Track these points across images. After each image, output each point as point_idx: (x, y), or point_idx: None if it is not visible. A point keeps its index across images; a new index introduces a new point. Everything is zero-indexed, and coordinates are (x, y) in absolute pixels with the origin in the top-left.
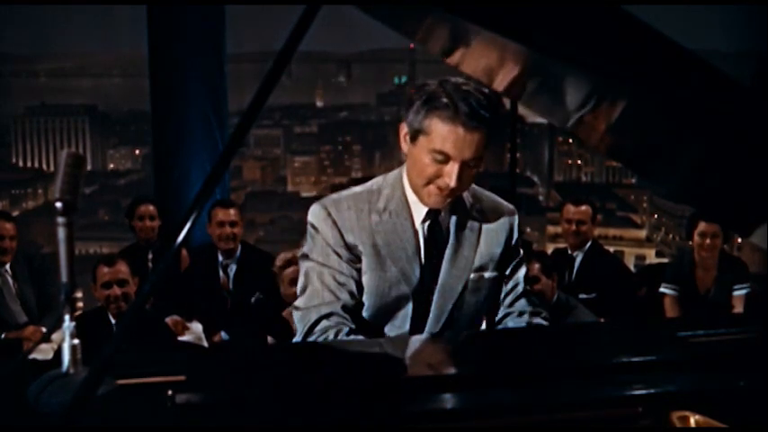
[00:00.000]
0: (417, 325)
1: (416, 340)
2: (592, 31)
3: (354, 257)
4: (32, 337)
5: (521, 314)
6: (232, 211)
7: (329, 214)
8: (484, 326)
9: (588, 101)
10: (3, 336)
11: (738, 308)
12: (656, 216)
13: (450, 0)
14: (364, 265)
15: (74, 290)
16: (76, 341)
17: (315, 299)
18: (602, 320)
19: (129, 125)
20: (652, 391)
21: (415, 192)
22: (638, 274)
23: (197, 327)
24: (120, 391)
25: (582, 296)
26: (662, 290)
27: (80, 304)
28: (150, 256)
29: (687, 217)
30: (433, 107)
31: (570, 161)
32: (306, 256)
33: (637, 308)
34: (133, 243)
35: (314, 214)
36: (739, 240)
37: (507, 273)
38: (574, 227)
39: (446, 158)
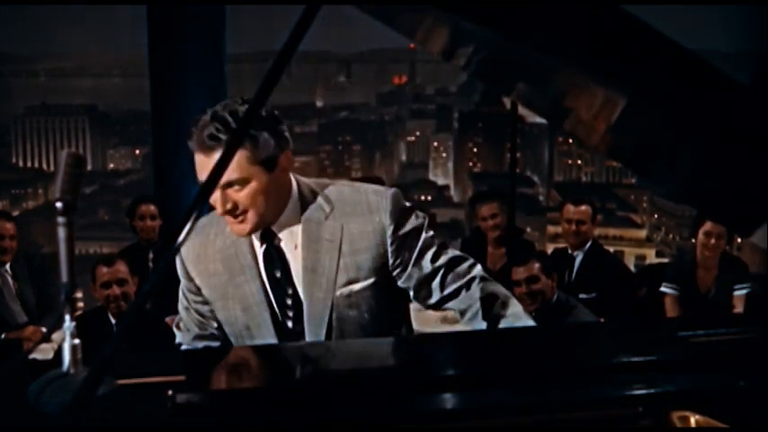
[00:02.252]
0: None
1: (415, 340)
2: (591, 31)
3: (196, 290)
4: (32, 337)
5: (457, 291)
6: None
7: None
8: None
9: (587, 100)
10: (3, 336)
11: (739, 308)
12: (656, 216)
13: (451, 0)
14: (207, 295)
15: (74, 290)
16: (76, 341)
17: (178, 321)
18: (602, 320)
19: (129, 125)
20: (652, 391)
21: None
22: (638, 274)
23: None
24: (120, 391)
25: (582, 296)
26: (662, 289)
27: (80, 304)
28: (151, 256)
29: (691, 216)
30: (191, 143)
31: (570, 161)
32: None
33: (637, 308)
34: (134, 242)
35: None
36: (739, 240)
37: (411, 267)
38: (574, 227)
39: None
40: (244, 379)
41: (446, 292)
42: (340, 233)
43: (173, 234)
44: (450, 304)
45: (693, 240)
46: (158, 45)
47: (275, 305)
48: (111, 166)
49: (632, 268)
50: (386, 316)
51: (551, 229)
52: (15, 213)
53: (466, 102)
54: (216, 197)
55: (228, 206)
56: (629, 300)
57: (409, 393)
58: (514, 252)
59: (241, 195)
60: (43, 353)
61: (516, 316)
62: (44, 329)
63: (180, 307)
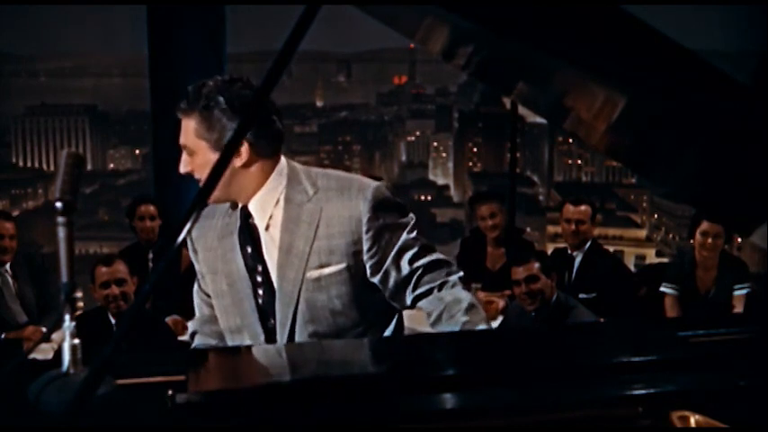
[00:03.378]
0: (268, 332)
1: (416, 340)
2: (592, 31)
3: (198, 265)
4: (32, 337)
5: (429, 291)
6: None
7: None
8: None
9: (587, 100)
10: (3, 336)
11: (738, 308)
12: (656, 216)
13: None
14: (203, 269)
15: (74, 290)
16: (76, 341)
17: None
18: (602, 320)
19: (129, 125)
20: (652, 391)
21: None
22: (638, 274)
23: None
24: (120, 391)
25: (582, 296)
26: (662, 289)
27: (80, 304)
28: (150, 256)
29: (690, 216)
30: None
31: (570, 161)
32: None
33: (637, 308)
34: (134, 243)
35: None
36: (739, 240)
37: (389, 264)
38: (573, 227)
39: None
40: (244, 379)
41: (418, 291)
42: (318, 216)
43: (173, 234)
44: (420, 303)
45: (692, 241)
46: (158, 45)
47: (255, 280)
48: (111, 166)
49: (632, 268)
50: (360, 306)
51: (551, 229)
52: (15, 213)
53: (466, 102)
54: (183, 156)
55: (187, 168)
56: (629, 300)
57: (408, 393)
58: (514, 252)
59: (194, 162)
60: (43, 353)
61: (477, 324)
62: (44, 329)
63: (194, 293)
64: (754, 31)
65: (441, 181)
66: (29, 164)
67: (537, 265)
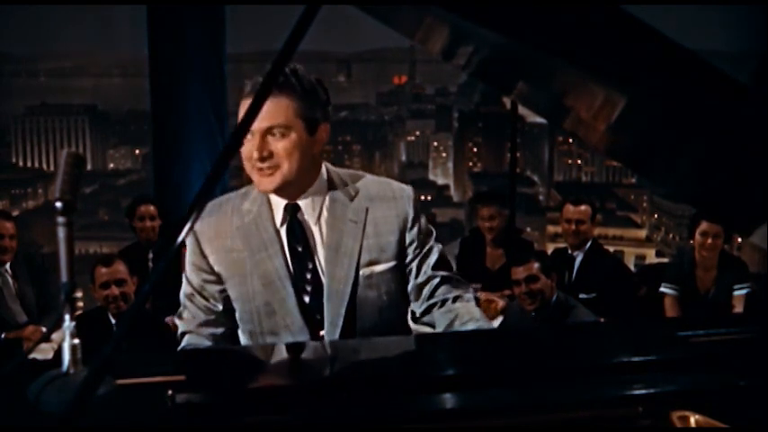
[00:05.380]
0: (314, 330)
1: (416, 340)
2: (592, 31)
3: (209, 268)
4: (32, 337)
5: (443, 302)
6: None
7: None
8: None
9: (587, 100)
10: (3, 336)
11: (738, 308)
12: (656, 216)
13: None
14: (222, 272)
15: (74, 290)
16: (76, 341)
17: (181, 311)
18: (602, 320)
19: (129, 125)
20: (652, 391)
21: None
22: (638, 274)
23: None
24: (120, 391)
25: (582, 296)
26: (662, 290)
27: (80, 304)
28: (150, 256)
29: (690, 216)
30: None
31: (570, 161)
32: None
33: (637, 308)
34: (134, 243)
35: None
36: (739, 240)
37: (414, 265)
38: (573, 226)
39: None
40: (243, 379)
41: (432, 301)
42: (365, 215)
43: (173, 234)
44: (426, 318)
45: (691, 241)
46: (158, 45)
47: (300, 280)
48: (111, 166)
49: (632, 268)
50: (402, 302)
51: (551, 229)
52: (15, 213)
53: (466, 102)
54: (255, 143)
55: (265, 153)
56: (629, 300)
57: (409, 393)
58: (514, 252)
59: (280, 145)
60: (43, 353)
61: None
62: (44, 329)
63: (182, 296)
64: (754, 31)
65: (441, 181)
66: (29, 164)
67: (537, 265)
